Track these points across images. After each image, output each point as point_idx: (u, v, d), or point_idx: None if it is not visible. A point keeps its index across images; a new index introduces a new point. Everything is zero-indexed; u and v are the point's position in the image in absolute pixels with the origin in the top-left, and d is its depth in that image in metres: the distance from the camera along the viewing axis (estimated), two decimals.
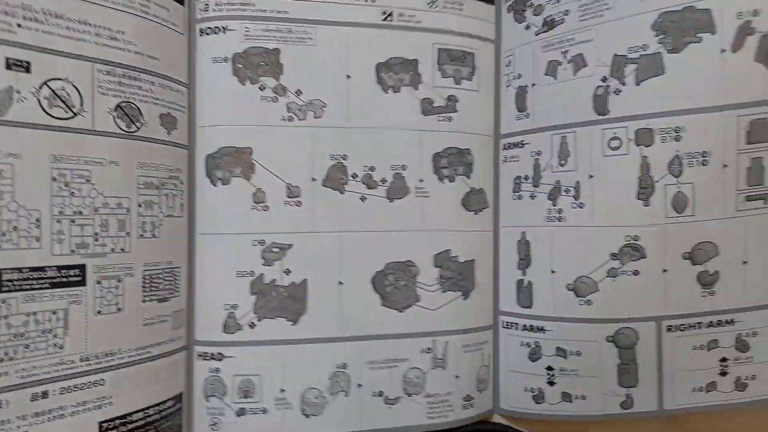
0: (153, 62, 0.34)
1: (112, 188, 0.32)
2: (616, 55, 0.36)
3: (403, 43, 0.38)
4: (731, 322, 0.36)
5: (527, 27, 0.40)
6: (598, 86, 0.36)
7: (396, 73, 0.38)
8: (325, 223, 0.37)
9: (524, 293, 0.40)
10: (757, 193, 0.34)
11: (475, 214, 0.40)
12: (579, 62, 0.37)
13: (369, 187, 0.38)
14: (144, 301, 0.33)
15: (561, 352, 0.39)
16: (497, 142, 0.41)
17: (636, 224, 0.36)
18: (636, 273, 0.36)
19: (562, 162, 0.38)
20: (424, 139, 0.39)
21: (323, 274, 0.37)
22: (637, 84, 0.35)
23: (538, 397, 0.39)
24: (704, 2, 0.33)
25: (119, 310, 0.32)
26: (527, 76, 0.40)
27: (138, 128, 0.33)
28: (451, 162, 0.39)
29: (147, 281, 0.34)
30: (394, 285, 0.38)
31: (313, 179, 0.37)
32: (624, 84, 0.36)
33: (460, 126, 0.40)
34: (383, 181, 0.38)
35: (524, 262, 0.40)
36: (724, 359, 0.36)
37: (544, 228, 0.39)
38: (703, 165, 0.34)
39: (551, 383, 0.39)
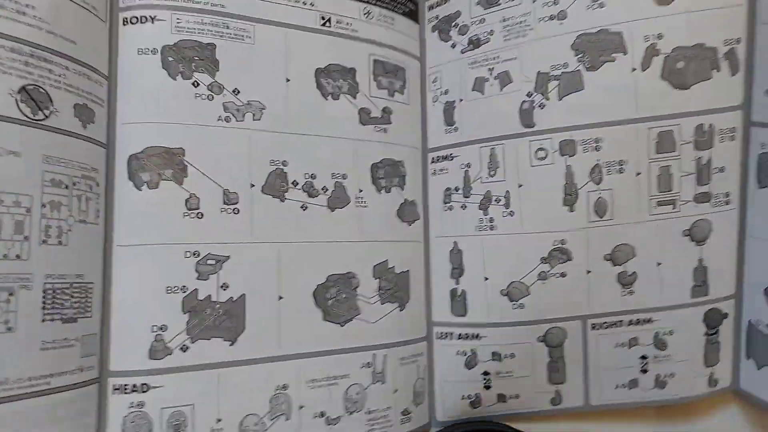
0: (69, 46, 0.30)
1: (9, 183, 0.27)
2: (539, 72, 0.38)
3: (342, 50, 0.38)
4: (649, 320, 0.38)
5: (453, 45, 0.41)
6: (524, 101, 0.38)
7: (335, 80, 0.37)
8: (265, 233, 0.34)
9: (458, 302, 0.40)
10: (667, 198, 0.37)
11: (409, 225, 0.40)
12: (505, 79, 0.39)
13: (310, 196, 0.36)
14: (44, 321, 0.28)
15: (496, 357, 0.39)
16: (425, 155, 0.42)
17: (563, 229, 0.38)
18: (563, 275, 0.38)
19: (492, 173, 0.39)
20: (362, 149, 0.38)
21: (262, 288, 0.34)
22: (560, 99, 0.37)
23: (475, 403, 0.40)
24: (616, 26, 0.36)
25: (9, 330, 0.27)
26: (455, 91, 0.41)
27: (46, 116, 0.28)
28: (387, 173, 0.39)
29: (49, 296, 0.28)
30: (335, 298, 0.36)
31: (252, 185, 0.34)
32: (548, 99, 0.38)
33: (395, 138, 0.40)
34: (324, 189, 0.36)
35: (457, 271, 0.40)
36: (644, 357, 0.38)
37: (476, 237, 0.40)
38: (620, 173, 0.37)
39: (487, 387, 0.39)
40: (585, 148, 0.37)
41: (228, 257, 0.33)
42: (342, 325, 0.36)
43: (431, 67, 0.42)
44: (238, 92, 0.34)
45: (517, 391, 0.39)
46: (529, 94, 0.38)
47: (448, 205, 0.41)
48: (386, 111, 0.39)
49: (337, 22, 0.38)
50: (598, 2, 0.36)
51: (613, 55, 0.36)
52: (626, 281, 0.38)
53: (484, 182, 0.39)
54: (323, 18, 0.37)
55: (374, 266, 0.38)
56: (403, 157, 0.40)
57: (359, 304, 0.37)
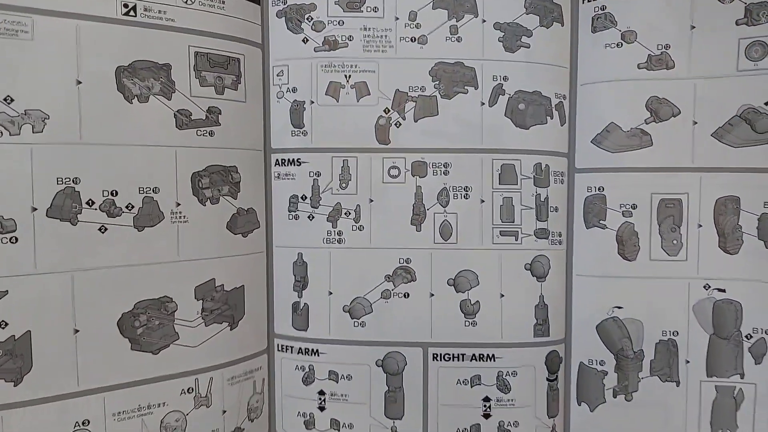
0: None
1: None
2: (398, 90, 0.36)
3: (152, 44, 0.32)
4: (493, 357, 0.37)
5: (305, 41, 0.37)
6: (381, 116, 0.36)
7: (143, 79, 0.32)
8: (52, 262, 0.30)
9: (300, 315, 0.38)
10: (509, 229, 0.36)
11: (244, 236, 0.37)
12: (362, 89, 0.36)
13: (110, 215, 0.32)
14: None
15: (333, 376, 0.38)
16: (268, 156, 0.38)
17: (409, 247, 0.37)
18: (407, 296, 0.37)
19: (344, 185, 0.37)
20: (181, 157, 0.34)
21: (53, 323, 0.31)
22: (415, 120, 0.36)
23: (309, 423, 0.38)
24: (470, 62, 0.36)
25: None
26: (305, 92, 0.37)
27: None
28: (214, 181, 0.35)
29: None
30: (146, 325, 0.33)
31: (35, 209, 0.30)
32: (404, 118, 0.36)
33: (225, 141, 0.35)
34: (129, 207, 0.32)
35: (300, 283, 0.38)
36: (487, 398, 0.37)
37: (322, 249, 0.37)
38: (465, 198, 0.36)
39: (321, 408, 0.38)
40: (435, 171, 0.37)
41: (6, 292, 0.30)
42: (155, 353, 0.34)
43: (277, 59, 0.37)
44: (12, 101, 0.29)
45: (351, 420, 0.38)
46: (386, 111, 0.36)
47: (293, 213, 0.38)
48: (212, 111, 0.35)
49: (146, 10, 0.32)
50: (456, 36, 0.36)
51: (466, 87, 0.36)
52: (469, 310, 0.37)
53: (335, 194, 0.37)
54: (126, 6, 0.32)
55: (196, 287, 0.35)
56: (235, 162, 0.36)
57: (178, 329, 0.34)
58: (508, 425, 0.37)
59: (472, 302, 0.37)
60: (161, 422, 0.34)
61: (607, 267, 0.37)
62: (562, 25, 0.37)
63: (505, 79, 0.36)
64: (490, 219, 0.36)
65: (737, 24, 0.34)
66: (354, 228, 0.37)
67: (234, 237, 0.36)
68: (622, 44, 0.36)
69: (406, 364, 0.37)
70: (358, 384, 0.37)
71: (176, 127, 0.33)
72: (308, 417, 0.38)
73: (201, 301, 0.35)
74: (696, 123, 0.35)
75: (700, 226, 0.35)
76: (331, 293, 0.37)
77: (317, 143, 0.37)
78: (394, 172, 0.37)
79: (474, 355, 0.37)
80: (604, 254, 0.36)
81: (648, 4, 0.35)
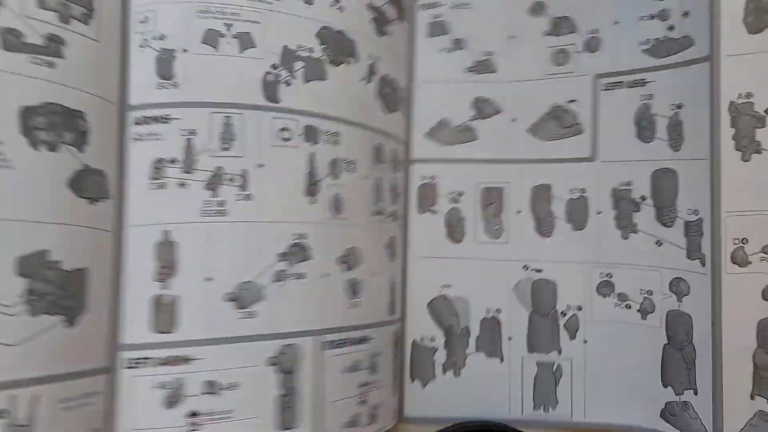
0: None
1: None
2: (286, 47, 0.33)
3: None
4: (367, 339, 0.35)
5: None
6: (268, 72, 0.32)
7: None
8: None
9: (165, 313, 0.29)
10: (379, 209, 0.36)
11: (91, 203, 0.28)
12: (246, 41, 0.32)
13: None
14: None
15: (211, 388, 0.29)
16: (123, 113, 0.30)
17: (304, 221, 0.32)
18: (301, 277, 0.31)
19: (226, 146, 0.31)
20: (6, 83, 0.25)
21: None
22: (305, 82, 0.33)
23: None
24: (352, 33, 0.35)
25: None
26: (176, 39, 0.31)
27: None
28: (53, 124, 0.26)
29: None
30: None
31: None
32: (294, 78, 0.33)
33: (68, 78, 0.27)
34: None
35: (167, 270, 0.29)
36: (365, 384, 0.34)
37: (199, 224, 0.30)
38: (351, 173, 0.34)
39: None
40: (326, 139, 0.33)
41: None
42: None
43: (141, 3, 0.31)
44: None
45: None
46: (274, 66, 0.32)
47: (158, 182, 0.30)
48: (54, 40, 0.27)
49: None
50: (339, 6, 0.34)
51: (349, 59, 0.35)
52: (356, 290, 0.34)
53: (215, 156, 0.31)
54: None
55: (21, 258, 0.25)
56: (84, 107, 0.28)
57: None
58: (375, 408, 0.35)
59: (359, 280, 0.33)
60: None
61: (438, 249, 0.38)
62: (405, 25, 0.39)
63: (378, 59, 0.36)
64: (367, 197, 0.35)
65: (545, 35, 0.38)
66: (239, 198, 0.31)
67: (77, 200, 0.27)
68: (452, 50, 0.39)
69: (302, 359, 0.31)
70: (245, 393, 0.29)
71: (2, 47, 0.25)
72: None
73: (27, 279, 0.25)
74: (514, 120, 0.39)
75: (519, 212, 0.38)
76: (210, 279, 0.30)
77: (191, 97, 0.31)
78: (285, 134, 0.32)
79: (359, 338, 0.34)
80: (435, 237, 0.38)
81: (475, 16, 0.39)
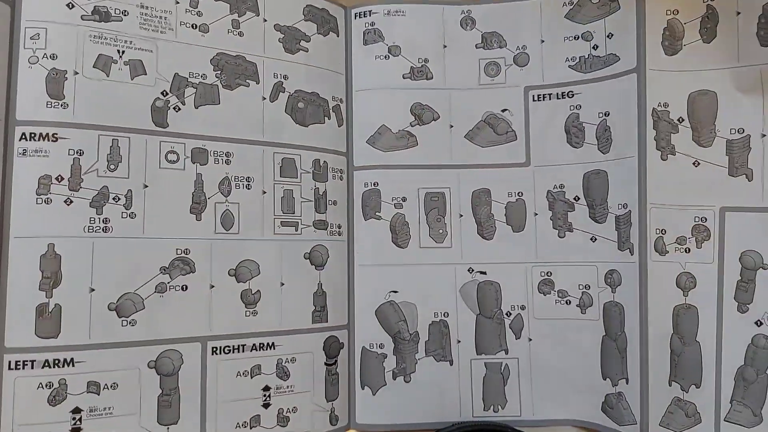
0: None
1: None
2: (177, 74, 0.35)
3: None
4: (272, 345, 0.36)
5: (70, 6, 0.33)
6: (158, 98, 0.35)
7: None
8: None
9: (49, 320, 0.32)
10: (290, 220, 0.38)
11: None
12: (138, 68, 0.34)
13: None
14: None
15: (94, 388, 0.32)
16: (9, 128, 0.32)
17: (187, 237, 0.35)
18: (185, 288, 0.34)
19: (113, 167, 0.33)
20: None
21: None
22: (196, 107, 0.36)
23: None
24: (252, 57, 0.37)
25: None
26: (67, 60, 0.33)
27: None
28: None
29: None
30: None
31: None
32: (183, 103, 0.35)
33: None
34: None
35: (50, 280, 0.32)
36: (267, 388, 0.36)
37: (83, 239, 0.32)
38: (248, 189, 0.36)
39: (76, 430, 0.32)
40: (216, 159, 0.36)
41: None
42: None
43: (32, 20, 0.32)
44: None
45: None
46: (164, 93, 0.35)
47: (44, 197, 0.32)
48: None
49: None
50: (238, 31, 0.37)
51: (248, 81, 0.37)
52: (250, 300, 0.36)
53: (101, 176, 0.33)
54: None
55: None
56: None
57: None
58: (287, 412, 0.37)
59: (253, 291, 0.36)
60: None
61: (384, 255, 0.39)
62: (338, 36, 0.41)
63: (285, 77, 0.38)
64: (271, 210, 0.37)
65: (476, 47, 0.40)
66: (124, 215, 0.33)
67: None
68: (389, 56, 0.40)
69: (182, 362, 0.34)
70: (125, 392, 0.33)
71: None
72: None
73: None
74: (452, 126, 0.40)
75: (461, 215, 0.39)
76: (93, 290, 0.32)
77: (81, 118, 0.33)
78: (172, 157, 0.35)
79: (254, 345, 0.36)
80: (380, 243, 0.39)
81: (408, 23, 0.40)
